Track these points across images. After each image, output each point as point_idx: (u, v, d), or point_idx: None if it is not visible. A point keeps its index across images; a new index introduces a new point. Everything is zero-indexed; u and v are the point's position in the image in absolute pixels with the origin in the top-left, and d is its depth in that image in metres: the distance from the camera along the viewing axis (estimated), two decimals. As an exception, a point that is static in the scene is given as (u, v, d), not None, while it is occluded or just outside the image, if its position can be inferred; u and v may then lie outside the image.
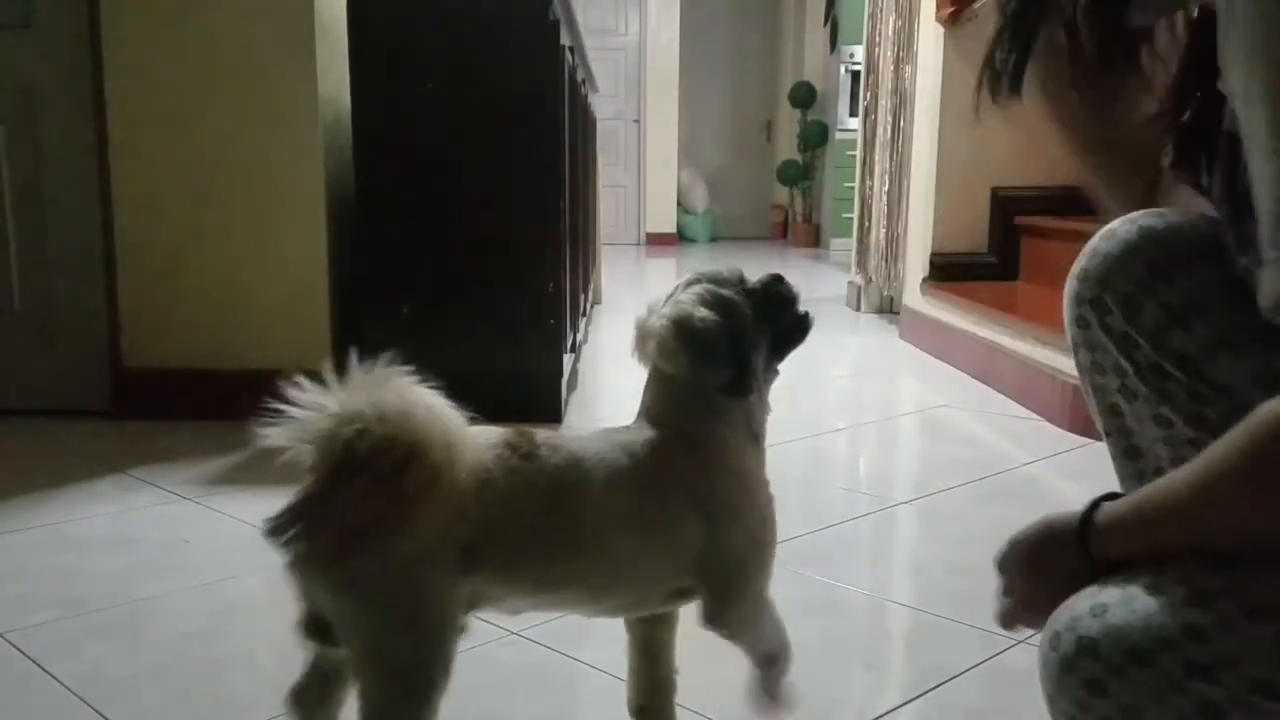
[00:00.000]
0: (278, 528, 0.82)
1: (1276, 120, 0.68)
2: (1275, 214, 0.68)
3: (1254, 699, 0.65)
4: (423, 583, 0.86)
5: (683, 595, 1.01)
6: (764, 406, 1.04)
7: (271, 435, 0.83)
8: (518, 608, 1.01)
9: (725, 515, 0.97)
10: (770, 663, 1.06)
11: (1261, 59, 0.69)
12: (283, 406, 0.82)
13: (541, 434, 0.97)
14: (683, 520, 0.96)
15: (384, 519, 0.81)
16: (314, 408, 0.83)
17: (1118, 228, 0.92)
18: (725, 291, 1.01)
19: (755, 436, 1.03)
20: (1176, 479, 0.72)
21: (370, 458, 0.81)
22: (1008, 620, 0.88)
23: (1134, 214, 0.92)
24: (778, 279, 1.06)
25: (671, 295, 1.03)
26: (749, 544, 0.99)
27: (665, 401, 1.00)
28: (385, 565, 0.83)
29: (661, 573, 0.98)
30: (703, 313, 0.98)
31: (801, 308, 1.06)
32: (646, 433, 0.98)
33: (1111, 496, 0.80)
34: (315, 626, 0.90)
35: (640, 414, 1.02)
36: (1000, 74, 0.95)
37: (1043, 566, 0.84)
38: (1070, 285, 0.95)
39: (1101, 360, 0.95)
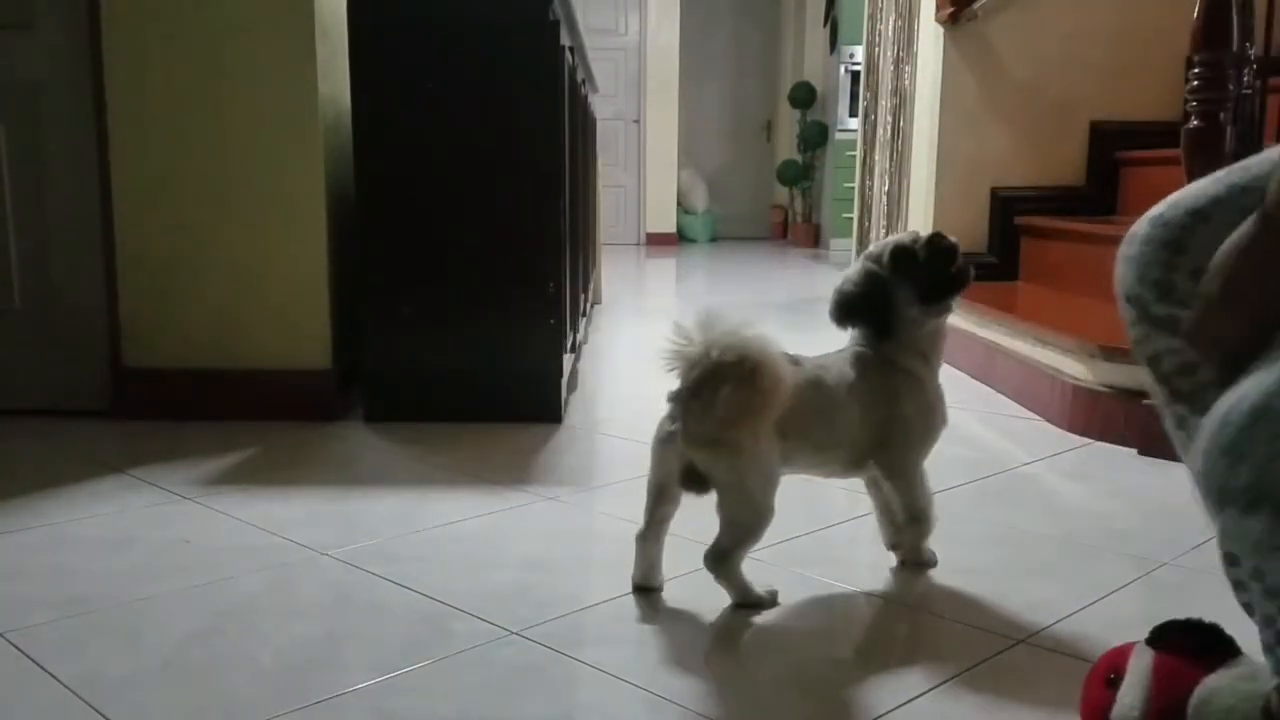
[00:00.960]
0: (675, 413, 1.34)
1: None
2: None
3: None
4: (765, 444, 1.36)
5: (872, 459, 1.51)
6: (927, 336, 1.49)
7: (664, 360, 1.32)
8: (807, 465, 1.50)
9: (902, 393, 1.48)
10: (914, 520, 1.54)
11: None
12: (669, 342, 1.31)
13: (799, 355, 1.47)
14: (880, 396, 1.47)
15: (747, 410, 1.30)
16: (689, 341, 1.30)
17: (1135, 228, 1.01)
18: (868, 264, 1.49)
19: (924, 356, 1.50)
20: None
21: (730, 372, 1.28)
22: (1197, 327, 0.91)
23: (1147, 212, 1.01)
24: (923, 245, 1.48)
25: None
26: (914, 420, 1.49)
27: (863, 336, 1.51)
28: (749, 436, 1.33)
29: (864, 433, 1.48)
30: (846, 286, 1.49)
31: (958, 263, 1.48)
32: (859, 350, 1.50)
33: None
34: (691, 478, 1.38)
35: (852, 341, 1.52)
36: None
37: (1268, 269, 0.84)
38: (1117, 292, 1.03)
39: (1156, 348, 1.00)
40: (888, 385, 1.48)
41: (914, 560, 1.57)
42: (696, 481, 1.38)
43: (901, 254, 1.47)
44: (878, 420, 1.48)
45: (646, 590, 1.47)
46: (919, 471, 1.53)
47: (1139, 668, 1.05)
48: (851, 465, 1.53)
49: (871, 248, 1.51)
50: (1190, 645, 1.05)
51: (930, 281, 1.47)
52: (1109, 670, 1.08)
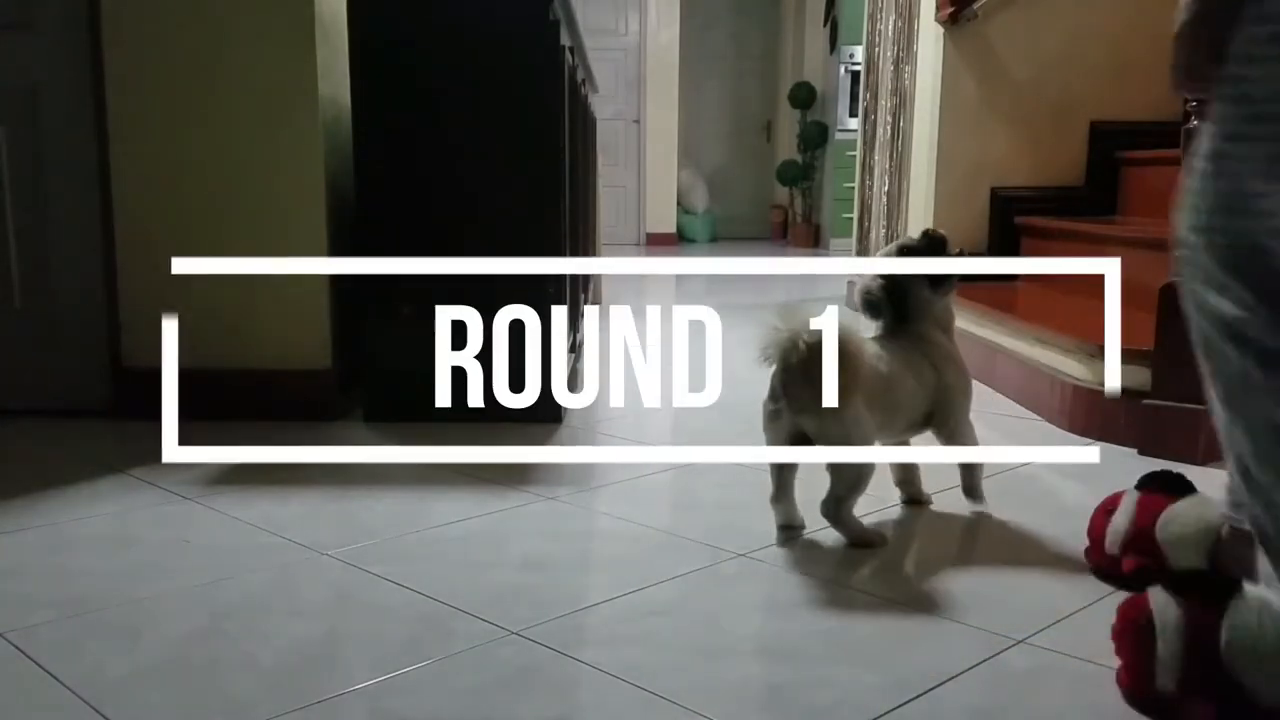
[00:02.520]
0: (778, 392, 1.63)
1: None
2: None
3: None
4: (861, 408, 1.63)
5: (927, 421, 1.81)
6: (943, 313, 1.83)
7: (759, 348, 1.59)
8: (881, 429, 1.73)
9: (942, 365, 1.80)
10: (972, 464, 1.85)
11: None
12: (765, 332, 1.59)
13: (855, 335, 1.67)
14: (925, 369, 1.78)
15: (845, 382, 1.58)
16: (780, 331, 1.58)
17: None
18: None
19: (946, 329, 1.84)
20: None
21: (821, 354, 1.56)
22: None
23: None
24: (922, 240, 1.80)
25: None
26: (957, 380, 1.81)
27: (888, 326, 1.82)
28: (849, 402, 1.60)
29: (919, 401, 1.77)
30: (869, 286, 1.81)
31: (953, 251, 1.82)
32: (895, 334, 1.80)
33: None
34: (797, 439, 1.66)
35: (879, 329, 1.82)
36: None
37: None
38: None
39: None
40: (929, 359, 1.79)
41: (976, 499, 1.85)
42: (801, 441, 1.68)
43: (908, 251, 1.80)
44: (927, 389, 1.78)
45: (791, 528, 1.74)
46: (969, 425, 1.85)
47: (1127, 502, 1.53)
48: (909, 429, 1.83)
49: (880, 252, 1.85)
50: (1163, 487, 1.51)
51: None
52: (1108, 505, 1.51)
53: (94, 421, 2.46)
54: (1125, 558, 1.50)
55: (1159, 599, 1.16)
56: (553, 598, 1.46)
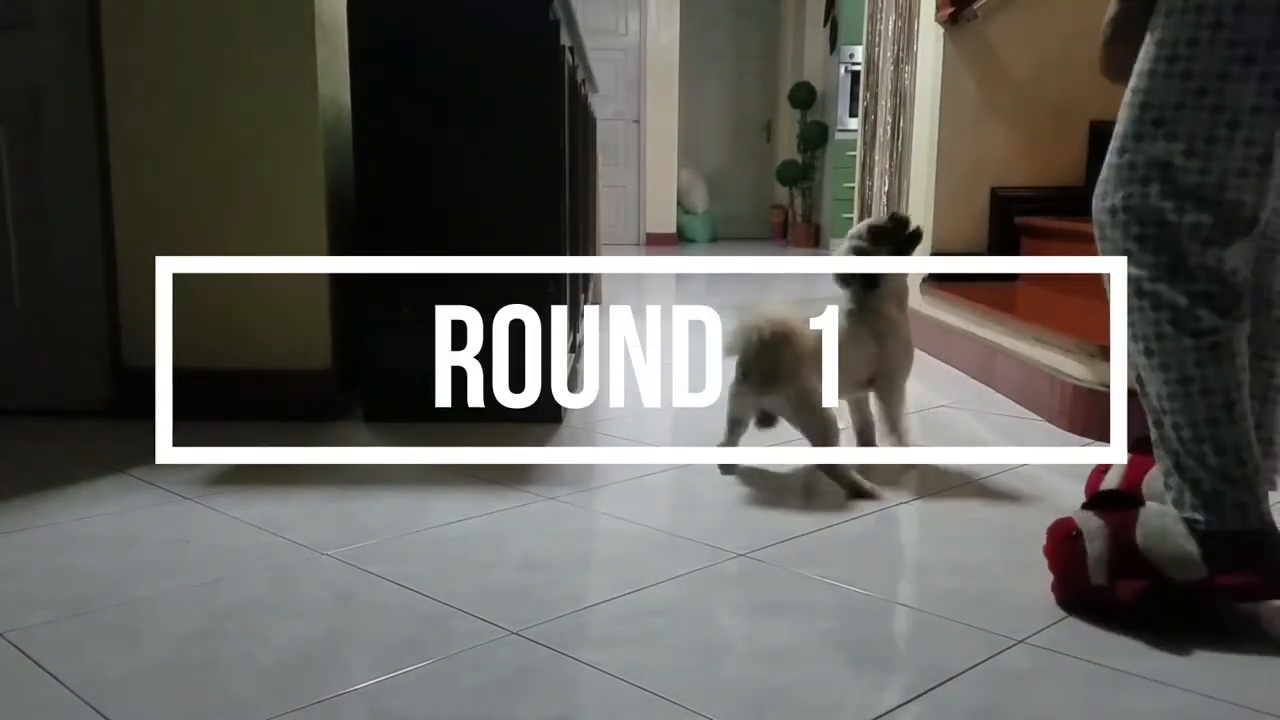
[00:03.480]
0: (741, 378, 1.93)
1: None
2: None
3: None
4: (811, 379, 1.93)
5: (869, 384, 2.09)
6: (898, 289, 2.09)
7: (722, 341, 1.94)
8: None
9: (885, 338, 2.05)
10: (895, 431, 2.10)
11: None
12: (727, 328, 1.94)
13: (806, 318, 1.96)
14: (868, 340, 2.04)
15: (789, 364, 1.88)
16: (740, 324, 1.91)
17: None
18: (854, 241, 2.08)
19: (900, 304, 2.10)
20: None
21: (773, 341, 1.87)
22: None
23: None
24: (889, 221, 2.07)
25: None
26: (898, 353, 2.08)
27: (855, 295, 2.08)
28: (798, 382, 1.91)
29: (860, 365, 2.04)
30: (841, 258, 2.08)
31: (909, 229, 2.08)
32: (850, 308, 2.07)
33: None
34: (763, 419, 2.02)
35: (845, 301, 2.08)
36: None
37: None
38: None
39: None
40: (874, 331, 2.05)
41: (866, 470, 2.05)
42: (767, 420, 2.01)
43: (876, 229, 2.08)
44: (869, 355, 2.05)
45: (733, 468, 2.07)
46: (903, 392, 2.11)
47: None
48: (854, 389, 2.10)
49: (852, 230, 2.11)
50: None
51: (897, 243, 2.07)
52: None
53: (94, 421, 2.46)
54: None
55: (1081, 515, 1.42)
56: (553, 598, 1.46)
